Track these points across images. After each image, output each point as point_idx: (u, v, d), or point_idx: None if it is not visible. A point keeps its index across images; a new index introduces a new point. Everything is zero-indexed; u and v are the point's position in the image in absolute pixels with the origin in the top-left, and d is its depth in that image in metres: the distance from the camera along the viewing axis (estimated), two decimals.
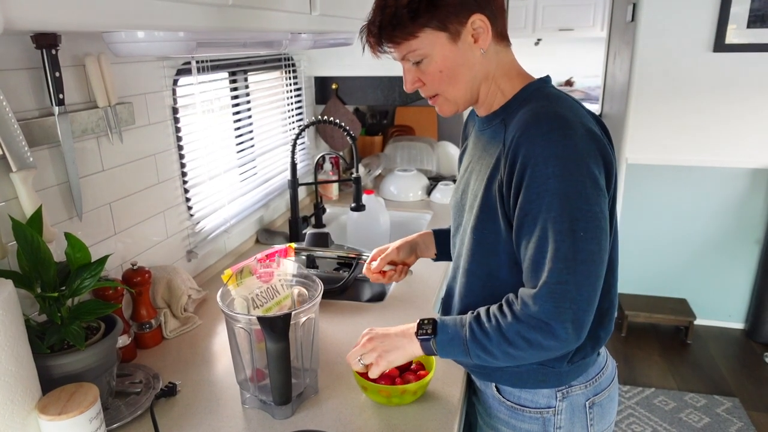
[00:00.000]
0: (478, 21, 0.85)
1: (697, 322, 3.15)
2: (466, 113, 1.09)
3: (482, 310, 0.90)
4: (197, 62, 1.46)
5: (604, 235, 0.82)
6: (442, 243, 1.22)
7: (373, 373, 0.95)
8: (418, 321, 0.96)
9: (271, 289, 1.05)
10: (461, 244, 0.99)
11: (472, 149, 1.02)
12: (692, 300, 3.22)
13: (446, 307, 1.09)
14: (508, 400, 1.01)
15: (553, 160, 0.79)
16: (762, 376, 2.79)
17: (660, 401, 2.60)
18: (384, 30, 0.87)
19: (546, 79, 0.93)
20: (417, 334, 0.93)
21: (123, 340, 1.13)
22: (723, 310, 3.23)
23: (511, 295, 0.87)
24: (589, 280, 0.81)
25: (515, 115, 0.88)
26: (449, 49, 0.86)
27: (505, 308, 0.86)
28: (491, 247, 0.91)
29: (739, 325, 3.23)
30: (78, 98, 1.08)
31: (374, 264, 1.17)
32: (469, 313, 0.92)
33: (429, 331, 0.92)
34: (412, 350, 0.94)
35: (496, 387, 1.02)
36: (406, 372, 1.04)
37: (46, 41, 0.91)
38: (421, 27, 0.85)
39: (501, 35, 0.91)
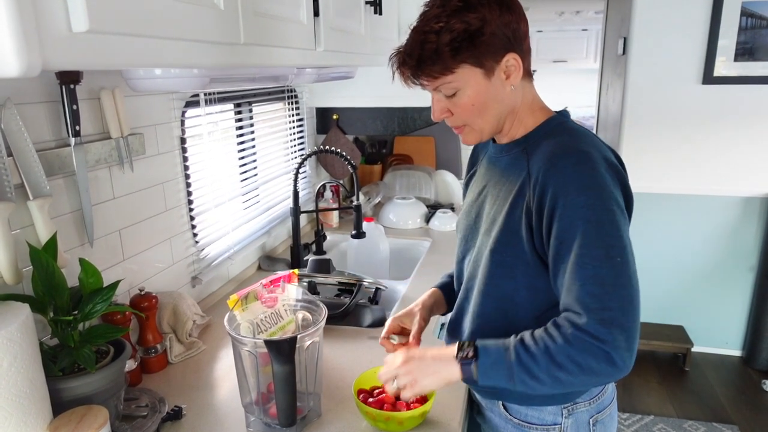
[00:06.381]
0: (512, 59, 0.90)
1: (694, 349, 3.16)
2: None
3: (526, 334, 0.88)
4: (205, 95, 1.52)
5: (634, 260, 0.86)
6: (449, 295, 1.20)
7: (406, 396, 0.94)
8: (457, 344, 0.92)
9: (275, 314, 1.08)
10: (475, 267, 1.01)
11: (484, 175, 1.05)
12: (689, 327, 3.24)
13: (454, 328, 1.10)
14: (515, 418, 1.03)
15: (585, 191, 0.83)
16: (760, 404, 2.79)
17: (659, 429, 2.59)
18: (423, 64, 0.89)
19: (565, 113, 0.98)
20: (457, 356, 0.90)
21: (129, 365, 1.15)
22: (720, 337, 3.25)
23: (559, 318, 0.86)
24: (632, 305, 0.83)
25: (538, 146, 0.92)
26: (483, 84, 0.90)
27: (554, 331, 0.85)
28: (509, 270, 0.94)
29: (736, 352, 3.24)
30: (92, 129, 1.13)
31: (396, 338, 1.12)
32: (512, 337, 0.89)
33: (470, 355, 0.89)
34: (449, 375, 0.91)
35: (503, 405, 1.04)
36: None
37: (70, 78, 0.96)
38: (459, 63, 0.88)
39: (527, 72, 0.95)
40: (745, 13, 2.76)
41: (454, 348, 0.92)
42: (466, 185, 1.14)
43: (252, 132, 1.89)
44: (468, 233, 1.06)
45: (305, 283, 1.69)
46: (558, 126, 0.95)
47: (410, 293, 1.65)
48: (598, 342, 0.81)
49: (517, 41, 0.90)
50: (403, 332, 1.13)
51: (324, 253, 2.02)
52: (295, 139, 2.20)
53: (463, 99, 0.91)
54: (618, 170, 0.90)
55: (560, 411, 1.00)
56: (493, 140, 1.06)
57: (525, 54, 0.93)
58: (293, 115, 2.17)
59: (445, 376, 0.91)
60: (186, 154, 1.46)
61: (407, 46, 0.91)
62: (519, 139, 0.98)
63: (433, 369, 0.92)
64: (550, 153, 0.88)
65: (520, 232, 0.92)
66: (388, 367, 0.96)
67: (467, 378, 0.90)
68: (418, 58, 0.89)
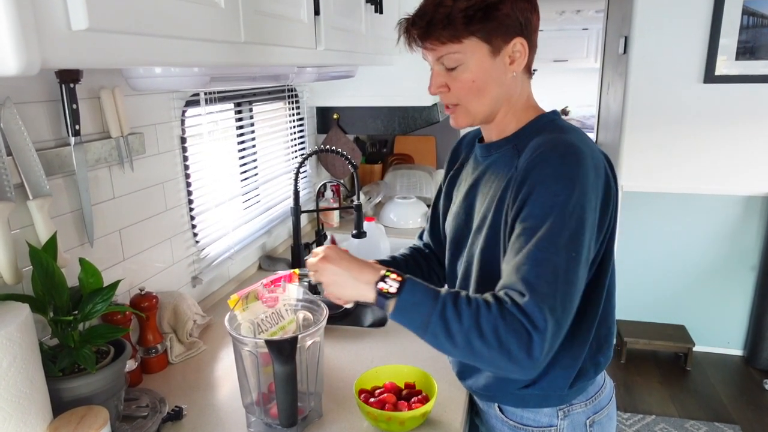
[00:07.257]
0: (519, 44, 0.89)
1: (696, 348, 3.16)
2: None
3: (463, 292, 0.84)
4: (205, 94, 1.51)
5: (584, 268, 0.83)
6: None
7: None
8: (383, 271, 0.87)
9: (276, 314, 1.07)
10: (468, 267, 1.00)
11: (471, 175, 1.04)
12: (690, 326, 3.23)
13: None
14: (510, 420, 1.02)
15: (564, 180, 0.82)
16: (762, 403, 2.79)
17: (661, 428, 2.59)
18: (433, 27, 0.88)
19: (556, 112, 0.98)
20: (376, 284, 0.86)
21: (130, 365, 1.15)
22: (721, 336, 3.24)
23: (500, 293, 0.82)
24: (572, 306, 0.81)
25: (529, 142, 0.91)
26: (487, 62, 0.89)
27: (492, 300, 0.81)
28: (498, 267, 0.92)
29: (738, 352, 3.23)
30: (92, 129, 1.12)
31: None
32: (446, 288, 0.86)
33: (392, 291, 0.84)
34: (363, 296, 0.88)
35: (498, 407, 1.04)
36: (408, 399, 1.05)
37: (70, 76, 0.95)
38: (469, 34, 0.87)
39: (528, 67, 0.95)
40: (747, 11, 2.75)
41: (378, 272, 0.87)
42: (449, 187, 1.12)
43: (252, 131, 1.88)
44: (458, 234, 1.05)
45: (306, 283, 1.68)
46: (549, 123, 0.95)
47: None
48: (530, 324, 0.76)
49: (528, 30, 0.90)
50: None
51: None
52: (295, 139, 2.20)
53: (464, 74, 0.90)
54: (606, 176, 0.88)
55: (556, 413, 0.99)
56: (479, 140, 1.05)
57: (532, 47, 0.92)
58: (293, 115, 2.16)
59: (359, 296, 0.89)
60: (186, 154, 1.45)
61: (420, 9, 0.90)
62: (510, 135, 0.96)
63: (349, 283, 0.89)
64: (538, 146, 0.87)
65: (501, 230, 0.91)
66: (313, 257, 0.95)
67: (380, 306, 0.86)
68: (430, 20, 0.88)
